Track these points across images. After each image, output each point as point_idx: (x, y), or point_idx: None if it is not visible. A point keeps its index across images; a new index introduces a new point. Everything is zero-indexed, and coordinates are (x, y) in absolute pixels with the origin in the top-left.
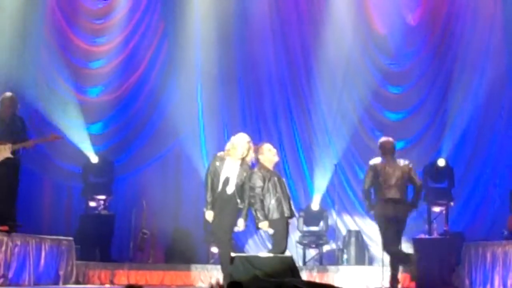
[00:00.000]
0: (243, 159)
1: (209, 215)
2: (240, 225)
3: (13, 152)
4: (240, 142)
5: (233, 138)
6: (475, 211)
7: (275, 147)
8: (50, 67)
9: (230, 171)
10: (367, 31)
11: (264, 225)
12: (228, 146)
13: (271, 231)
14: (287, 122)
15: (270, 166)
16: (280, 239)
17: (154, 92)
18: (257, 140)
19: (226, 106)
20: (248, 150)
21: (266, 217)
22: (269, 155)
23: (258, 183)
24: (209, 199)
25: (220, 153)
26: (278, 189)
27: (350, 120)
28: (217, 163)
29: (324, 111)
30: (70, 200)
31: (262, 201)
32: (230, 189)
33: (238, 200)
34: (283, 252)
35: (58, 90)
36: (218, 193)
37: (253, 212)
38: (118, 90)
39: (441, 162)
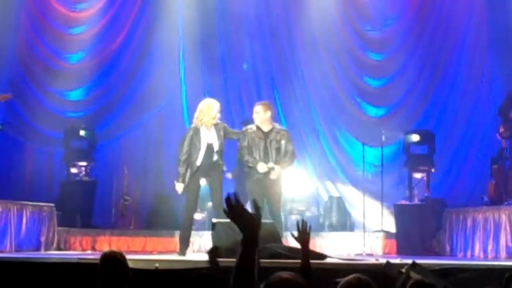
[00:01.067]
0: (215, 124)
1: (180, 187)
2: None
3: None
4: (208, 107)
5: (200, 105)
6: (456, 178)
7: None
8: (31, 33)
9: (209, 138)
10: None
11: (261, 167)
12: (197, 114)
13: (275, 172)
14: (268, 88)
15: (259, 124)
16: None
17: (135, 58)
18: (237, 106)
19: (208, 72)
20: (215, 113)
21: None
22: (254, 115)
23: (241, 141)
24: (182, 171)
25: (192, 125)
26: (255, 150)
27: (331, 86)
28: (193, 135)
29: (305, 77)
30: (51, 167)
31: (248, 154)
32: (215, 156)
33: (221, 162)
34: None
35: (38, 56)
36: (202, 162)
37: (245, 168)
38: (99, 57)
39: (415, 137)
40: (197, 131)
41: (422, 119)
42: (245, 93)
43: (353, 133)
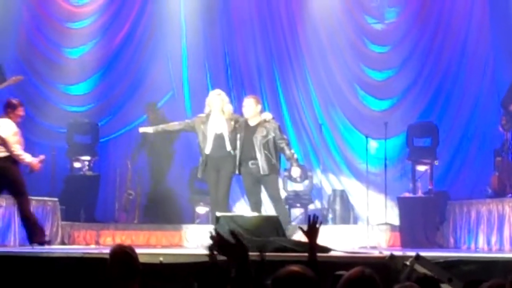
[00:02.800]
0: (227, 116)
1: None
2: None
3: None
4: (211, 98)
5: (207, 99)
6: (459, 170)
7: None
8: (32, 28)
9: (218, 129)
10: None
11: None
12: (206, 108)
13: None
14: (271, 81)
15: (248, 117)
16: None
17: (138, 52)
18: (240, 100)
19: (210, 64)
20: (223, 103)
21: None
22: (243, 108)
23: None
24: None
25: (203, 114)
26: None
27: (335, 79)
28: (202, 124)
29: (308, 70)
30: (54, 161)
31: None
32: (227, 147)
33: (233, 154)
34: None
35: (40, 50)
36: (211, 152)
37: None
38: (101, 51)
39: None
40: (206, 120)
41: (425, 111)
42: (248, 87)
43: (357, 126)
